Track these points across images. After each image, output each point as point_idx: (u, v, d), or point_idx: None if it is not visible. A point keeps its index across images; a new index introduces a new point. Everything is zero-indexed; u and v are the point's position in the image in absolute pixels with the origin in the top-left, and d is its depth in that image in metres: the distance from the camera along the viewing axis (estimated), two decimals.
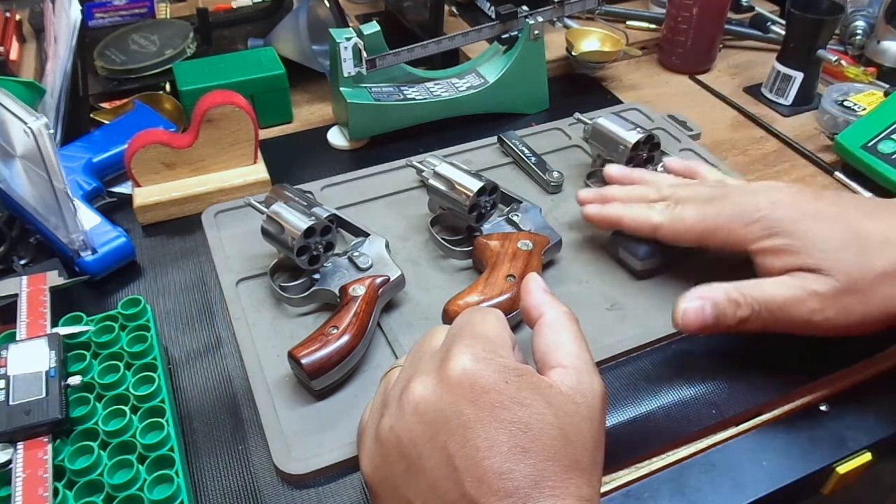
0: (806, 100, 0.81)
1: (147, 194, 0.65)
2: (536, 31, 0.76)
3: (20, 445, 0.42)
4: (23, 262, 0.60)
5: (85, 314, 0.51)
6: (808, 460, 0.47)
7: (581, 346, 0.39)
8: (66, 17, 0.67)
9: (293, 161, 0.73)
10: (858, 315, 0.46)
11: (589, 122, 0.66)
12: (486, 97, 0.77)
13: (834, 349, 0.52)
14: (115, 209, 0.67)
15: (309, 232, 0.53)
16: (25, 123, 0.50)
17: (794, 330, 0.48)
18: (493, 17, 0.79)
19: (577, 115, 0.70)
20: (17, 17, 0.91)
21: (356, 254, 0.55)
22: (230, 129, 0.65)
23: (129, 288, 0.59)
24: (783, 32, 0.82)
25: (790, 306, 0.47)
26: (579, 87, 0.86)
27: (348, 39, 0.69)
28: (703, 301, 0.47)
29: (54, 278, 0.53)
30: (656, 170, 0.63)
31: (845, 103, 0.76)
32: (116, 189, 0.69)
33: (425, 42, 0.74)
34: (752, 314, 0.47)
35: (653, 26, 0.94)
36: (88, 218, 0.60)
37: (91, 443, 0.43)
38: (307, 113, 0.81)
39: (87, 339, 0.50)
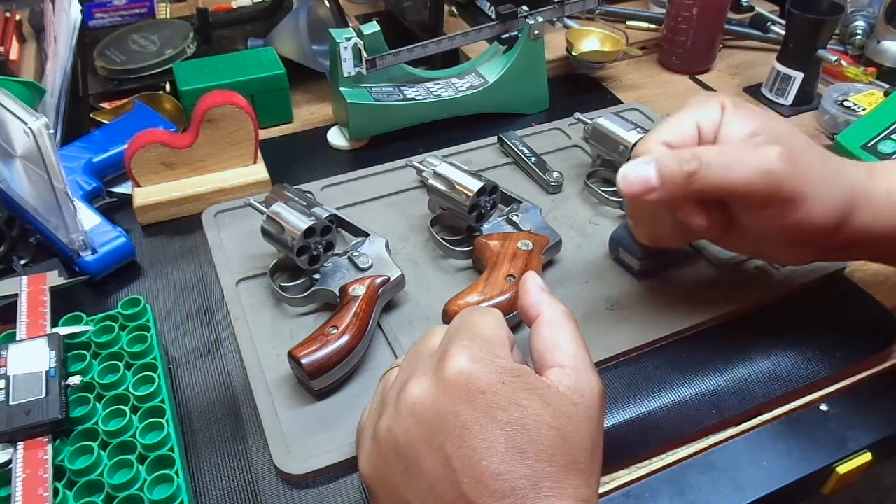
0: (806, 100, 0.81)
1: (147, 194, 0.65)
2: (536, 31, 0.76)
3: (20, 445, 0.42)
4: (23, 262, 0.60)
5: (85, 314, 0.51)
6: (808, 460, 0.47)
7: (579, 346, 0.39)
8: (66, 17, 0.68)
9: (293, 161, 0.73)
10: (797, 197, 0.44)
11: (589, 122, 0.66)
12: (486, 97, 0.77)
13: (834, 349, 0.52)
14: (115, 209, 0.67)
15: (309, 232, 0.53)
16: (25, 123, 0.50)
17: (739, 197, 0.45)
18: (493, 17, 0.79)
19: (577, 115, 0.70)
20: (17, 17, 0.91)
21: (356, 254, 0.55)
22: (230, 129, 0.65)
23: (129, 288, 0.59)
24: (783, 32, 0.82)
25: (742, 159, 0.44)
26: (579, 87, 0.86)
27: (348, 39, 0.69)
28: (645, 161, 0.45)
29: (54, 278, 0.53)
30: None
31: (845, 103, 0.76)
32: (116, 189, 0.69)
33: (425, 42, 0.74)
34: (700, 167, 0.44)
35: (653, 26, 0.94)
36: (88, 218, 0.60)
37: (91, 443, 0.43)
38: (307, 113, 0.81)
39: (87, 339, 0.50)
